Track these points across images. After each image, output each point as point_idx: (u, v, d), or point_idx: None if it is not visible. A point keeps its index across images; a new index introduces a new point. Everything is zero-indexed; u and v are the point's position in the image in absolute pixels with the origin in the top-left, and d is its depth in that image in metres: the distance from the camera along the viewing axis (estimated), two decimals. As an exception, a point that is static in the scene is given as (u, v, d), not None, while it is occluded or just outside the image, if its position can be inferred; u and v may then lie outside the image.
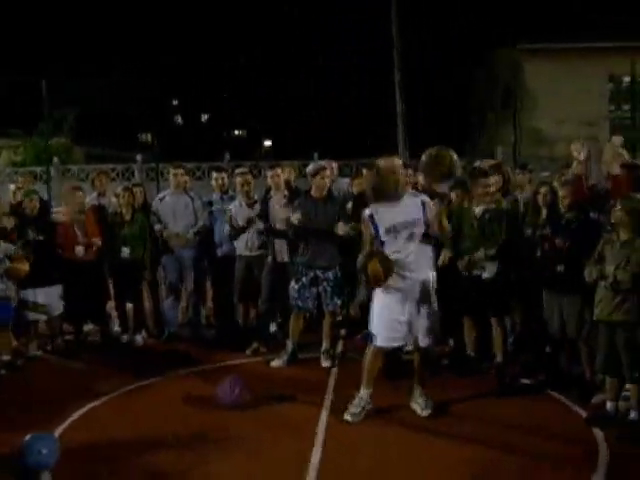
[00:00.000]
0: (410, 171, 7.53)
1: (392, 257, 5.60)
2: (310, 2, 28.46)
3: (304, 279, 7.21)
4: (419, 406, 5.86)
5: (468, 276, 6.81)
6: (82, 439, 5.45)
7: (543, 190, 6.79)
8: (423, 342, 5.83)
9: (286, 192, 7.88)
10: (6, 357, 7.47)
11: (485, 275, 6.73)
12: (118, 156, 24.46)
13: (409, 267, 5.65)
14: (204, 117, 42.34)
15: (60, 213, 8.40)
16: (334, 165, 8.67)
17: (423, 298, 5.71)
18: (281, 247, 7.67)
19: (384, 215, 5.67)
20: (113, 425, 5.80)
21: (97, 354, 8.06)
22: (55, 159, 19.38)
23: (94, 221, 8.34)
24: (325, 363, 7.24)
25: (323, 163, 7.76)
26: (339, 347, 7.87)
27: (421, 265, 5.72)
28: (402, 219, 5.63)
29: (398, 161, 5.89)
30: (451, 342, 7.53)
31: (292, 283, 7.28)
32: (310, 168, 7.50)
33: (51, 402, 6.34)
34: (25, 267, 7.31)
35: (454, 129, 26.48)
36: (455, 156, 5.67)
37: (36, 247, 7.73)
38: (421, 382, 5.95)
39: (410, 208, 5.69)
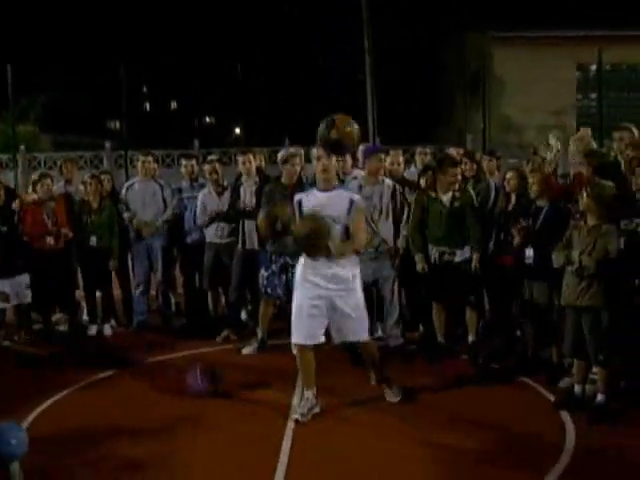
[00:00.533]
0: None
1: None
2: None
3: (274, 266, 7.19)
4: (387, 394, 5.85)
5: (439, 262, 6.86)
6: (51, 429, 5.42)
7: (511, 176, 6.85)
8: (352, 338, 5.75)
9: (257, 179, 7.85)
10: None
11: (457, 259, 6.81)
12: (86, 143, 24.17)
13: (328, 263, 5.43)
14: (173, 104, 41.96)
15: (28, 197, 8.28)
16: (301, 151, 8.65)
17: (345, 295, 5.50)
18: (250, 234, 7.64)
19: (311, 203, 5.54)
20: (82, 415, 5.76)
21: (65, 344, 7.97)
22: (22, 147, 19.09)
23: (63, 209, 8.24)
24: (295, 350, 7.23)
25: (293, 150, 7.74)
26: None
27: (342, 261, 5.47)
28: (327, 212, 5.41)
29: (322, 151, 5.58)
30: (421, 328, 7.61)
31: (262, 270, 7.26)
32: (281, 155, 7.49)
33: (19, 392, 6.28)
34: None
35: (423, 114, 26.58)
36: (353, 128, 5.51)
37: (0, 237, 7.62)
38: (378, 375, 5.92)
39: (337, 203, 5.50)
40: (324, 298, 5.46)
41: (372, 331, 6.98)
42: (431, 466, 4.70)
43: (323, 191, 5.56)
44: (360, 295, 5.62)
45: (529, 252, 6.25)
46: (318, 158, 5.56)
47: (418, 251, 6.97)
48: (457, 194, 6.89)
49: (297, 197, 5.68)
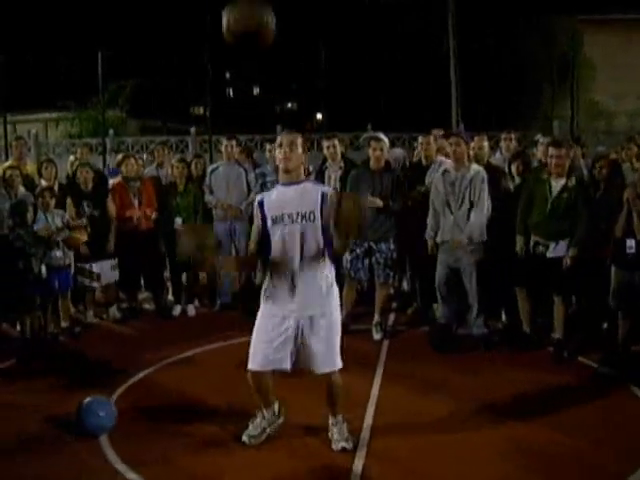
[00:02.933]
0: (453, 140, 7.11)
1: (277, 261, 4.54)
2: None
3: (358, 250, 7.20)
4: (332, 437, 4.81)
5: (532, 251, 6.69)
6: (137, 405, 5.58)
7: (602, 164, 6.65)
8: (324, 369, 4.67)
9: (342, 164, 7.87)
10: (65, 324, 7.65)
11: (550, 254, 6.60)
12: (171, 128, 24.67)
13: (296, 274, 4.52)
14: (256, 90, 42.35)
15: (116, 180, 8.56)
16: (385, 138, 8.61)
17: (323, 315, 4.58)
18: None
19: (273, 201, 4.58)
20: (166, 391, 5.91)
21: (151, 322, 8.20)
22: (110, 131, 19.64)
23: (151, 191, 8.46)
24: (376, 335, 7.24)
25: (376, 134, 7.71)
26: (391, 320, 7.86)
27: (313, 273, 4.53)
28: (293, 209, 4.49)
29: (291, 136, 4.57)
30: (504, 317, 7.48)
31: (345, 254, 7.28)
32: (363, 139, 7.49)
33: (107, 368, 6.51)
34: (83, 237, 7.47)
35: (509, 100, 25.98)
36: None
37: (92, 221, 7.88)
38: (334, 411, 4.87)
39: (307, 197, 4.50)
40: (289, 321, 4.58)
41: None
42: (512, 463, 4.57)
43: (287, 185, 4.59)
44: (336, 315, 4.69)
45: (630, 242, 6.03)
46: (279, 145, 4.55)
47: (519, 232, 6.76)
48: (570, 183, 6.53)
49: (258, 198, 4.71)
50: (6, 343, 7.24)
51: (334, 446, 4.73)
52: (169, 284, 8.88)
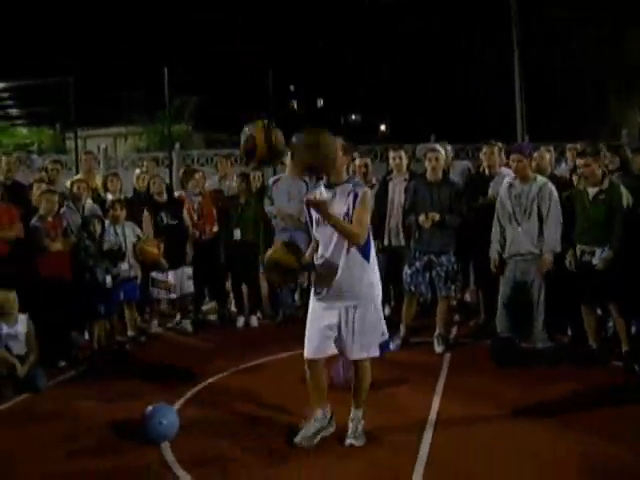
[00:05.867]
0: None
1: (319, 259, 4.89)
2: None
3: (417, 264, 7.17)
4: (349, 430, 5.03)
5: (580, 261, 6.62)
6: (199, 414, 5.65)
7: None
8: (355, 355, 4.95)
9: (407, 175, 7.87)
10: (131, 333, 7.83)
11: (595, 261, 6.54)
12: (236, 141, 24.97)
13: (336, 271, 4.80)
14: (319, 102, 42.60)
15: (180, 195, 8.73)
16: (448, 147, 8.54)
17: (357, 307, 4.85)
18: (395, 230, 7.65)
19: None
20: (229, 402, 5.97)
21: (214, 333, 8.31)
22: (177, 145, 20.02)
23: (211, 205, 8.60)
24: (438, 348, 7.18)
25: (432, 145, 7.69)
26: (453, 332, 7.79)
27: (350, 269, 4.79)
28: (330, 211, 4.72)
29: (336, 140, 4.84)
30: (569, 332, 7.33)
31: (405, 268, 7.26)
32: (419, 150, 7.47)
33: (171, 377, 6.62)
34: (155, 251, 7.62)
35: (576, 109, 25.48)
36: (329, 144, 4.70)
37: (169, 231, 8.07)
38: (357, 404, 5.09)
39: (341, 200, 4.77)
40: (332, 311, 4.91)
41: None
42: (567, 476, 4.47)
43: (327, 187, 4.87)
44: (375, 308, 4.94)
45: None
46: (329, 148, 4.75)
47: (568, 246, 6.75)
48: (603, 187, 6.60)
49: (309, 196, 5.00)
50: (75, 350, 7.42)
51: (346, 440, 4.96)
52: (231, 295, 8.98)
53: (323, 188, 4.91)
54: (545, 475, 4.52)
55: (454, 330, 7.90)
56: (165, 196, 8.33)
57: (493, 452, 4.84)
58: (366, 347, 4.94)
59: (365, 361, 5.00)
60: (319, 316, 4.97)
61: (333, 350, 5.00)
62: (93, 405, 5.94)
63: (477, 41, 27.44)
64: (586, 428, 5.17)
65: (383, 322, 5.02)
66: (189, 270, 8.25)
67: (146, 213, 8.16)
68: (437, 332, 7.26)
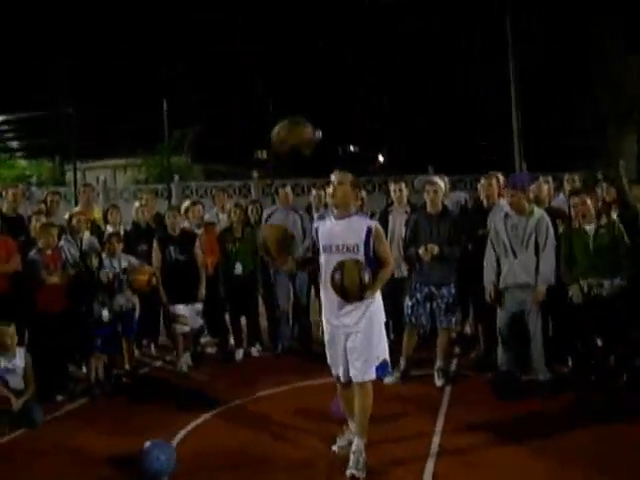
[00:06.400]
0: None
1: (326, 286, 5.11)
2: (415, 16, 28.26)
3: (418, 295, 7.15)
4: (350, 460, 5.04)
5: (589, 296, 6.62)
6: (198, 449, 5.59)
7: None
8: (357, 377, 5.11)
9: (407, 208, 7.88)
10: (128, 367, 7.77)
11: (605, 292, 6.56)
12: (235, 172, 25.11)
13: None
14: (318, 133, 42.85)
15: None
16: (446, 179, 8.56)
17: (358, 328, 5.06)
18: (398, 262, 7.63)
19: (325, 230, 5.20)
20: (228, 436, 5.91)
21: (214, 367, 8.25)
22: (176, 177, 20.11)
23: (213, 238, 8.58)
24: (439, 382, 7.12)
25: (430, 178, 7.72)
26: (453, 365, 7.75)
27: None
28: (340, 241, 5.08)
29: (349, 176, 5.21)
30: (570, 362, 7.30)
31: (406, 299, 7.24)
32: (418, 183, 7.49)
33: (170, 411, 6.54)
34: (145, 277, 7.57)
35: (573, 140, 25.60)
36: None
37: (179, 266, 8.01)
38: (359, 432, 5.17)
39: (353, 231, 5.09)
40: (338, 334, 5.16)
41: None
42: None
43: (338, 218, 5.20)
44: (373, 331, 5.13)
45: None
46: (327, 184, 5.27)
47: (571, 282, 6.75)
48: (602, 222, 6.68)
49: (315, 224, 5.46)
50: (73, 384, 7.37)
51: (347, 471, 4.98)
52: (230, 329, 8.93)
53: (333, 220, 5.22)
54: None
55: (454, 363, 7.84)
56: (178, 230, 8.24)
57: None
58: (367, 371, 5.09)
59: (366, 384, 5.13)
60: (328, 339, 5.25)
61: (342, 374, 5.21)
62: (91, 440, 5.87)
63: (473, 71, 27.64)
64: (584, 460, 5.14)
65: (386, 346, 5.24)
66: (199, 306, 8.18)
67: (155, 246, 8.09)
68: (437, 365, 7.21)
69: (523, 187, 7.14)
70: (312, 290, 8.75)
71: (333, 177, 5.21)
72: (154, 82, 26.61)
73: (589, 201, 6.75)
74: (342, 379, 5.26)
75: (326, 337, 5.29)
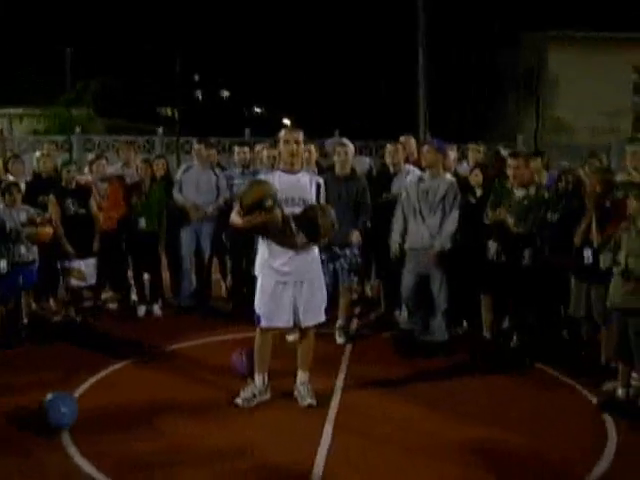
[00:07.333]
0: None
1: (277, 234, 5.40)
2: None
3: (322, 256, 7.24)
4: (299, 394, 5.62)
5: (496, 259, 6.88)
6: (99, 402, 5.57)
7: (567, 178, 6.85)
8: (307, 322, 5.56)
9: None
10: (26, 320, 7.60)
11: (509, 262, 6.80)
12: (139, 128, 24.54)
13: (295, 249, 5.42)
14: (224, 94, 42.29)
15: (81, 179, 8.51)
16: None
17: (307, 277, 5.49)
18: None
19: (277, 184, 5.39)
20: (129, 390, 5.92)
21: (115, 322, 8.18)
22: (77, 129, 19.48)
23: (118, 192, 8.44)
24: (340, 339, 7.31)
25: (341, 139, 7.81)
26: (354, 324, 7.95)
27: (307, 248, 5.47)
28: (292, 195, 5.41)
29: (296, 134, 5.54)
30: (465, 324, 7.64)
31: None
32: (328, 145, 7.56)
33: (72, 365, 6.47)
34: (49, 230, 7.40)
35: (474, 114, 26.32)
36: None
37: (78, 220, 7.86)
38: (305, 368, 5.71)
39: (304, 185, 5.49)
40: (287, 282, 5.44)
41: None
42: (465, 462, 4.70)
43: (288, 172, 5.51)
44: (321, 277, 5.66)
45: (587, 252, 6.21)
46: (286, 141, 5.48)
47: (490, 238, 6.97)
48: (531, 193, 6.87)
49: (262, 178, 5.68)
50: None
51: (301, 403, 5.50)
52: (133, 284, 8.84)
53: (283, 174, 5.48)
54: (443, 460, 4.71)
55: (355, 322, 8.05)
56: (74, 184, 8.08)
57: (393, 440, 4.99)
58: (315, 315, 5.55)
59: (312, 328, 5.61)
60: (274, 291, 5.44)
61: (288, 323, 5.52)
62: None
63: (381, 39, 27.87)
64: (476, 414, 5.46)
65: (325, 293, 5.70)
66: (93, 260, 8.06)
67: (52, 198, 7.90)
68: (338, 324, 7.37)
69: (444, 151, 7.31)
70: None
71: (287, 136, 5.49)
72: (58, 31, 25.59)
73: (525, 166, 6.90)
74: (285, 325, 5.57)
75: (267, 289, 5.45)
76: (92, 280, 8.11)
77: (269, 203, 5.22)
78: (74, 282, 7.95)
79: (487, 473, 4.55)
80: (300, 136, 5.53)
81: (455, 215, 6.97)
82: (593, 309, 6.20)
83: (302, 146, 5.59)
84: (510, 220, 6.73)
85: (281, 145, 5.55)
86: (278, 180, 5.44)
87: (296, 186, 5.44)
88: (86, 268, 7.95)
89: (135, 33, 29.97)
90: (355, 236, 7.15)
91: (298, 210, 5.35)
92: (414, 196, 7.10)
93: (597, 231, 6.07)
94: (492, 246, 6.91)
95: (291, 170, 5.51)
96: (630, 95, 22.00)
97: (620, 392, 5.68)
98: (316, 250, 5.59)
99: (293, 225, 5.31)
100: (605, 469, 4.61)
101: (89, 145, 19.32)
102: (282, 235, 5.35)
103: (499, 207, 6.87)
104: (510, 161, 6.98)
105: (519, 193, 6.88)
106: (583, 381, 6.15)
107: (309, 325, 5.59)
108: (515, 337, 6.95)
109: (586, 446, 4.96)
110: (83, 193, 8.07)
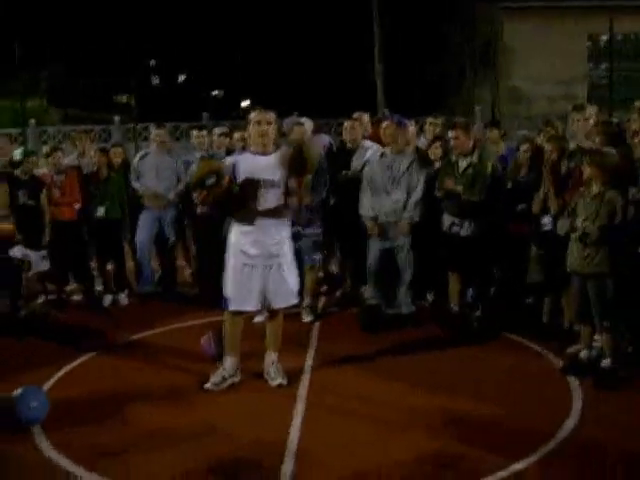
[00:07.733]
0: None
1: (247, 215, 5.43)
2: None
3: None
4: (269, 376, 5.65)
5: (449, 232, 6.95)
6: (70, 394, 5.53)
7: (526, 148, 6.93)
8: (277, 304, 5.59)
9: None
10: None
11: (463, 233, 6.88)
12: (95, 117, 24.20)
13: (263, 229, 5.43)
14: (181, 78, 41.85)
15: (38, 171, 8.40)
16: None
17: (277, 261, 5.49)
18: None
19: (248, 166, 5.42)
20: (99, 380, 5.89)
21: (81, 313, 8.11)
22: (32, 121, 19.14)
23: (75, 183, 8.35)
24: (307, 318, 7.35)
25: (298, 119, 7.81)
26: (320, 302, 7.99)
27: (277, 227, 5.50)
28: (265, 176, 5.36)
29: (268, 115, 5.49)
30: (429, 297, 7.72)
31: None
32: (286, 124, 7.54)
33: (39, 358, 6.40)
34: (10, 227, 7.30)
35: (432, 86, 26.39)
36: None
37: (27, 211, 7.74)
38: (274, 349, 5.74)
39: (276, 167, 5.39)
40: (256, 265, 5.44)
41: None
42: (437, 431, 4.78)
43: (260, 154, 5.47)
44: (292, 259, 5.67)
45: (545, 219, 6.30)
46: (258, 122, 5.44)
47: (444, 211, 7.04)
48: (473, 161, 6.94)
49: (230, 159, 5.67)
50: None
51: (271, 383, 5.55)
52: (97, 274, 8.77)
53: (256, 156, 5.45)
54: (415, 431, 4.78)
55: (321, 300, 8.08)
56: (28, 175, 7.97)
57: (365, 415, 5.04)
58: (286, 298, 5.59)
59: (282, 310, 5.66)
60: (242, 274, 5.42)
61: (257, 306, 5.57)
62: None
63: (337, 13, 27.76)
64: (444, 384, 5.56)
65: (297, 275, 5.75)
66: (44, 251, 7.97)
67: (4, 189, 7.77)
68: (305, 302, 7.40)
69: (405, 126, 7.35)
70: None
71: (259, 117, 5.44)
72: (5, 18, 25.03)
73: (464, 136, 6.95)
74: (254, 309, 5.65)
75: (236, 272, 5.45)
76: (41, 268, 7.98)
77: (211, 181, 5.20)
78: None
79: (460, 440, 4.61)
80: (272, 117, 5.50)
81: (420, 189, 7.06)
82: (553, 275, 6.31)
83: (273, 127, 5.51)
84: (459, 188, 6.80)
85: (251, 127, 5.49)
86: (246, 162, 5.43)
87: (267, 167, 5.36)
88: (33, 258, 7.84)
89: (87, 19, 29.45)
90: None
91: (270, 193, 5.36)
92: (378, 171, 7.16)
93: (554, 198, 6.18)
94: (447, 219, 6.99)
95: (263, 152, 5.46)
96: (585, 63, 22.19)
97: (583, 354, 5.81)
98: (285, 231, 5.58)
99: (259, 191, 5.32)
100: (573, 425, 4.78)
101: (44, 137, 19.02)
102: (239, 207, 5.38)
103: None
104: (449, 132, 7.10)
105: (462, 163, 6.97)
106: (548, 346, 6.28)
107: (279, 307, 5.62)
108: (479, 307, 7.04)
109: (554, 406, 5.11)
110: (35, 185, 7.97)
